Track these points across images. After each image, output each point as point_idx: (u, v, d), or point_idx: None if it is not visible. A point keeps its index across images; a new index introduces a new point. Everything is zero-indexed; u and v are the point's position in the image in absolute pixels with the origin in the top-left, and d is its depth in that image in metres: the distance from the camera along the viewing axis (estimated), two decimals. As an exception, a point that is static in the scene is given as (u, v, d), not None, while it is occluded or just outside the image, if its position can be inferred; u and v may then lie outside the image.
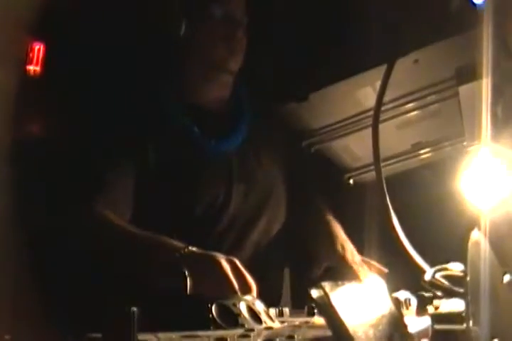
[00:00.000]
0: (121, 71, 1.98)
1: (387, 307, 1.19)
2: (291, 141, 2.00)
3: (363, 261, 1.87)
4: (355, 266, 1.82)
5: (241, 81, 1.95)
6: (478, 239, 1.38)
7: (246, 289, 1.43)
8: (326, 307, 1.00)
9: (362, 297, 1.15)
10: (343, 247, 1.87)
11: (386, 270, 1.85)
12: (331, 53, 1.63)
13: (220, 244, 1.78)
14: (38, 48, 1.98)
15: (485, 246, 1.32)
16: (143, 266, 1.57)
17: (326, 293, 1.00)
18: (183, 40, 1.84)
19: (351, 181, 2.10)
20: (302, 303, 1.45)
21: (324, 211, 2.00)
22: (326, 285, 1.02)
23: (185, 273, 1.43)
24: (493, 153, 1.58)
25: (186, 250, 1.51)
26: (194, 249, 1.52)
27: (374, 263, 1.88)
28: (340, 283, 1.08)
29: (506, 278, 1.44)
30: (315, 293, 1.02)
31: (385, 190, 1.51)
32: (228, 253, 1.56)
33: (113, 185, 1.74)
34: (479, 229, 1.25)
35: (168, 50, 1.87)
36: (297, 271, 2.07)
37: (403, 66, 1.54)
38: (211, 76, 1.89)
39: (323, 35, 1.65)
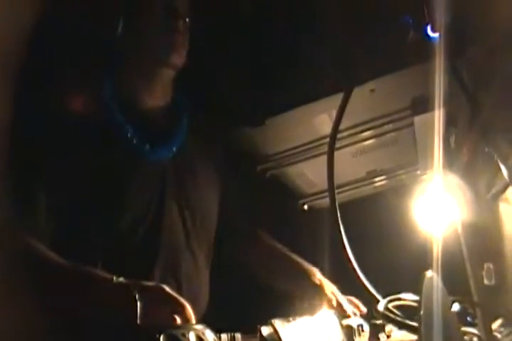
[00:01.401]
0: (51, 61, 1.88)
1: (338, 339, 1.19)
2: (236, 163, 1.95)
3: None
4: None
5: (184, 90, 1.86)
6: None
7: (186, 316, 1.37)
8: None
9: (312, 331, 1.14)
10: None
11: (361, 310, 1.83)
12: (288, 78, 1.64)
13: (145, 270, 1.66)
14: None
15: (437, 277, 1.33)
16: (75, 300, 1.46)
17: (275, 330, 0.99)
18: (121, 32, 1.74)
19: (306, 207, 2.11)
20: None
21: (271, 243, 1.96)
22: (276, 322, 1.01)
23: (135, 301, 1.38)
24: (444, 182, 1.61)
25: (115, 281, 1.42)
26: (120, 279, 1.43)
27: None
28: (291, 318, 1.07)
29: (455, 307, 1.46)
30: (265, 331, 1.01)
31: (339, 217, 1.51)
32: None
33: (34, 207, 1.59)
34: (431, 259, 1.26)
35: (105, 39, 1.78)
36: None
37: (360, 95, 1.55)
38: (151, 70, 1.77)
39: (280, 59, 1.65)
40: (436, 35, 1.44)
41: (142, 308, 1.35)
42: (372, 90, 1.60)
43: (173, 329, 1.23)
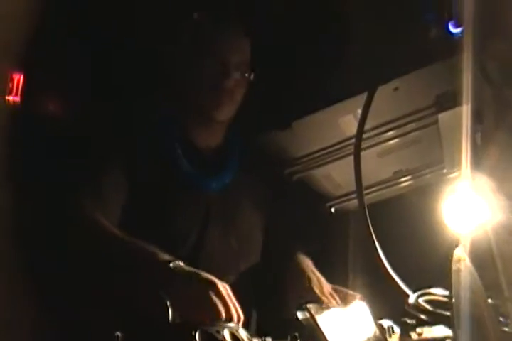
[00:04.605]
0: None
1: (371, 331, 1.19)
2: (273, 175, 2.00)
3: (335, 289, 1.84)
4: (323, 298, 1.80)
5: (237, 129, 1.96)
6: (461, 266, 1.39)
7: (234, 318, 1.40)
8: (312, 328, 1.00)
9: (346, 320, 1.15)
10: (310, 279, 1.85)
11: (359, 295, 1.83)
12: (314, 80, 1.65)
13: None
14: (18, 78, 1.98)
15: (466, 272, 1.33)
16: (131, 275, 1.52)
17: (311, 315, 1.01)
18: (178, 80, 1.84)
19: (333, 210, 2.11)
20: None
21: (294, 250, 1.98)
22: (312, 307, 1.02)
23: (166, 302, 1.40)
24: (472, 181, 1.60)
25: (173, 264, 1.47)
26: (181, 263, 1.48)
27: (347, 290, 1.86)
28: (324, 306, 1.08)
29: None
30: (301, 315, 1.02)
31: (368, 218, 1.52)
32: None
33: (105, 188, 1.71)
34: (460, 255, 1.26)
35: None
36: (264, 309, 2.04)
37: (383, 94, 1.56)
38: (201, 121, 1.88)
39: (305, 62, 1.67)
40: (458, 30, 1.44)
41: (189, 297, 1.39)
42: (396, 88, 1.61)
43: (208, 327, 1.25)
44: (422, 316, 1.38)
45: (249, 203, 1.96)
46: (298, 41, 1.67)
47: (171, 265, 1.47)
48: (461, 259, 1.43)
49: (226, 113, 1.85)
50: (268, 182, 1.99)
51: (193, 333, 1.22)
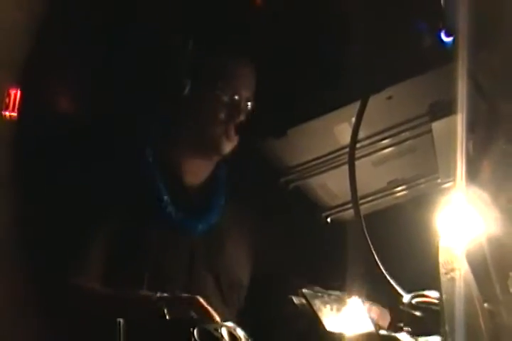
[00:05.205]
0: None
1: (365, 325, 1.21)
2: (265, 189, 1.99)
3: None
4: None
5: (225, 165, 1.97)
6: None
7: None
8: (306, 311, 1.03)
9: (342, 309, 1.17)
10: None
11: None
12: (308, 88, 1.67)
13: None
14: (15, 93, 2.00)
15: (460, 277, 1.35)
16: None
17: (307, 300, 1.03)
18: (182, 106, 1.84)
19: (329, 220, 2.12)
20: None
21: None
22: (307, 293, 1.04)
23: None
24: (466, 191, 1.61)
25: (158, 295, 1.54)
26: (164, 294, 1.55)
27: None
28: (319, 294, 1.10)
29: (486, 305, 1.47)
30: (296, 300, 1.05)
31: (365, 228, 1.53)
32: None
33: (90, 257, 1.74)
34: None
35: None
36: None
37: (377, 102, 1.59)
38: (201, 153, 1.88)
39: (299, 69, 1.69)
40: (450, 39, 1.47)
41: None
42: (390, 97, 1.63)
43: (206, 324, 1.28)
44: (417, 313, 1.40)
45: (234, 240, 1.96)
46: (294, 50, 1.69)
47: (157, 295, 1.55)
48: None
49: (233, 144, 1.84)
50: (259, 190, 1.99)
51: (191, 330, 1.25)
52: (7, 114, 1.97)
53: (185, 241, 1.85)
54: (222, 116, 1.82)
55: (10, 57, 1.77)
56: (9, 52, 1.75)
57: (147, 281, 1.74)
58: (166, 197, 1.82)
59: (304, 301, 1.02)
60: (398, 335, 1.39)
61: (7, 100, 1.97)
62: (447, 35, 1.46)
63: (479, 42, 1.46)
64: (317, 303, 1.04)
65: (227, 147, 1.86)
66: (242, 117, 1.84)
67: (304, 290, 1.04)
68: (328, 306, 1.08)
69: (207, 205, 1.91)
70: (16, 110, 1.98)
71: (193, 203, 1.89)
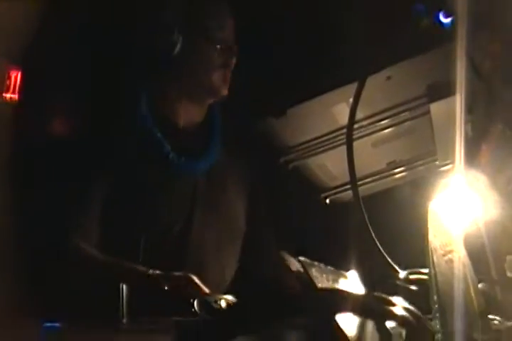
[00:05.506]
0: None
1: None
2: (266, 162, 2.02)
3: None
4: None
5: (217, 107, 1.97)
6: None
7: None
8: (303, 277, 1.04)
9: (338, 279, 1.19)
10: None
11: None
12: (308, 68, 1.67)
13: None
14: (15, 75, 2.00)
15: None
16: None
17: (304, 267, 1.04)
18: (176, 58, 1.85)
19: (327, 201, 2.13)
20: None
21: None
22: (304, 260, 1.06)
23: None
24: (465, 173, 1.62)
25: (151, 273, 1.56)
26: (157, 272, 1.57)
27: None
28: (316, 263, 1.12)
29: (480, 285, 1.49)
30: (294, 267, 1.06)
31: (363, 209, 1.54)
32: None
33: (85, 216, 1.75)
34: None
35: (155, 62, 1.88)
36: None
37: (376, 83, 1.59)
38: (198, 99, 1.92)
39: (299, 50, 1.69)
40: (448, 20, 1.47)
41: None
42: (389, 77, 1.63)
43: (206, 296, 1.31)
44: (413, 287, 1.42)
45: (235, 189, 1.98)
46: (292, 29, 1.69)
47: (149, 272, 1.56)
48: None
49: (228, 87, 1.89)
50: (259, 169, 2.02)
51: (192, 301, 1.28)
52: (8, 95, 1.98)
53: (187, 182, 1.87)
54: (217, 60, 1.86)
55: (10, 39, 1.78)
56: (9, 35, 1.76)
57: (149, 224, 1.77)
58: (163, 141, 1.85)
59: (300, 268, 1.04)
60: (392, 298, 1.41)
61: (8, 82, 1.97)
62: (446, 16, 1.46)
63: (478, 23, 1.46)
64: (314, 271, 1.06)
65: (224, 91, 1.89)
66: (235, 60, 1.87)
67: (302, 258, 1.06)
68: (324, 275, 1.10)
69: (205, 146, 1.95)
70: (16, 92, 1.98)
71: (192, 146, 1.92)
